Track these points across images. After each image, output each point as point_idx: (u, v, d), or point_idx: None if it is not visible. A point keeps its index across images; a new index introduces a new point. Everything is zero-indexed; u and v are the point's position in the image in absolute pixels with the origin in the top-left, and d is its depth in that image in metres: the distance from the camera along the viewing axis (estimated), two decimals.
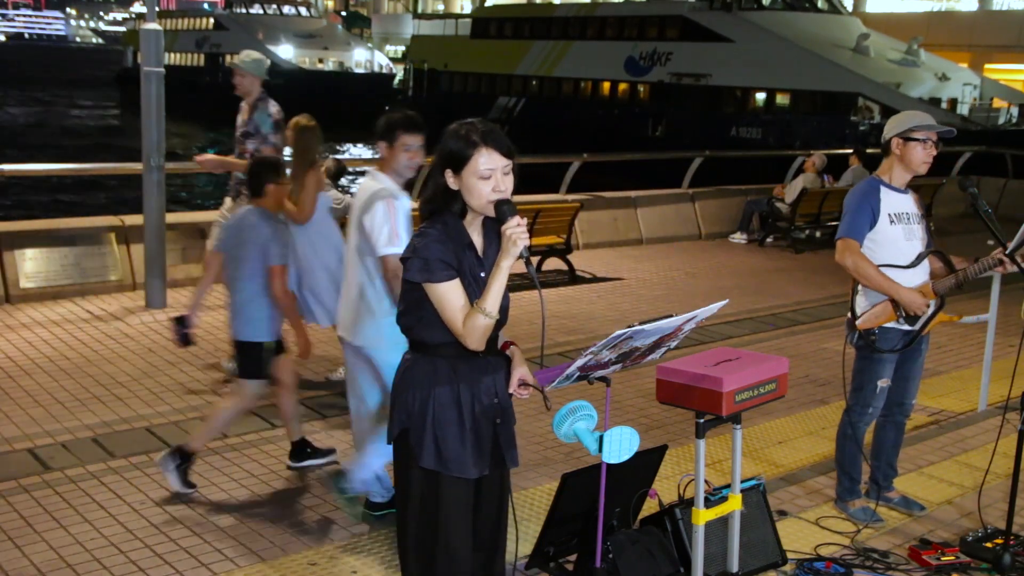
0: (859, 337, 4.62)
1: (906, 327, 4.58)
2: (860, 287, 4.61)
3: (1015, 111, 31.07)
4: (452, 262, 2.84)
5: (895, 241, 4.55)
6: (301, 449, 5.21)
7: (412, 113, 4.45)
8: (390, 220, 4.18)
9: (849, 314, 4.68)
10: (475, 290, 2.87)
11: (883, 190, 4.59)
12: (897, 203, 4.59)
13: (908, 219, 4.61)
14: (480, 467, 2.95)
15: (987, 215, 4.39)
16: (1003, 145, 20.13)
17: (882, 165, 4.67)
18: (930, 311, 4.57)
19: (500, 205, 2.81)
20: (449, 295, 2.84)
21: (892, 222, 4.56)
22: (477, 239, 2.96)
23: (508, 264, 2.80)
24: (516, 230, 2.76)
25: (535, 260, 11.02)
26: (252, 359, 4.90)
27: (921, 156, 4.54)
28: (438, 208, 2.91)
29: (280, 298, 4.83)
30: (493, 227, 2.95)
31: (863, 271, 4.51)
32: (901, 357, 4.68)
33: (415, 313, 2.93)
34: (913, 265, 4.55)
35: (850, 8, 40.14)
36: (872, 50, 31.76)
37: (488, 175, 2.82)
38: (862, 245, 4.54)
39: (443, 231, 2.87)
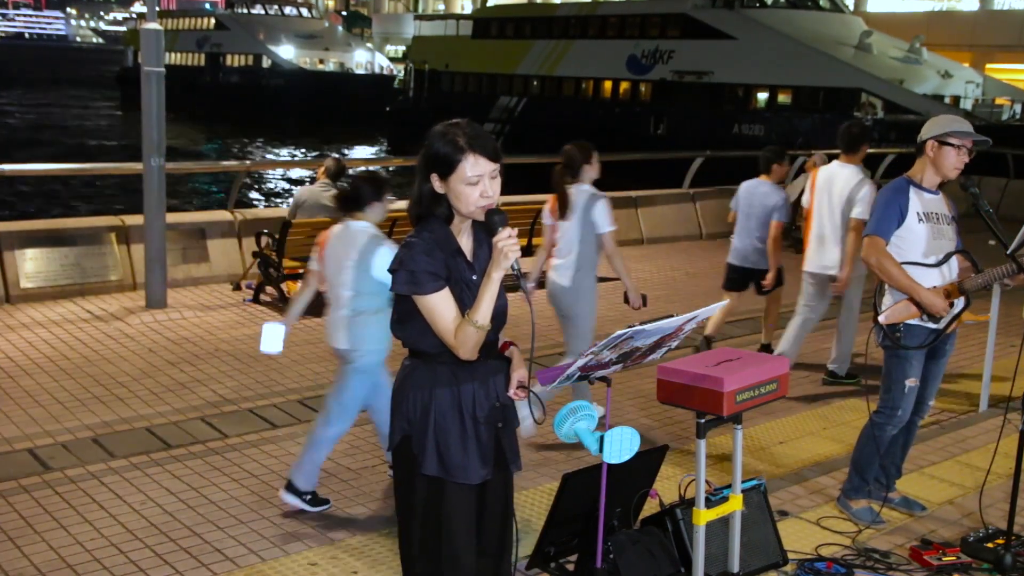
0: (885, 336, 4.60)
1: (931, 325, 4.56)
2: (886, 285, 4.60)
3: (1018, 108, 31.10)
4: (440, 271, 2.79)
5: (922, 239, 4.54)
6: None
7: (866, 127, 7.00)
8: (872, 198, 6.05)
9: (874, 313, 4.66)
10: (467, 296, 2.83)
11: (912, 189, 4.60)
12: (927, 203, 4.59)
13: (938, 219, 4.60)
14: (483, 472, 2.92)
15: (988, 215, 4.38)
16: (1006, 140, 20.10)
17: (915, 166, 4.69)
18: (956, 309, 4.55)
19: (491, 215, 2.76)
20: (439, 306, 2.78)
21: (920, 220, 4.55)
22: (466, 243, 2.91)
23: (499, 276, 2.74)
24: (507, 243, 2.70)
25: (534, 260, 11.03)
26: None
27: (953, 161, 4.56)
28: (424, 213, 2.86)
29: None
30: (482, 229, 2.90)
31: (886, 269, 4.50)
32: (925, 356, 4.66)
33: (409, 323, 2.88)
34: (939, 264, 4.54)
35: (851, 8, 40.10)
36: (875, 48, 31.76)
37: (476, 181, 2.76)
38: (888, 243, 4.54)
39: (430, 240, 2.82)
